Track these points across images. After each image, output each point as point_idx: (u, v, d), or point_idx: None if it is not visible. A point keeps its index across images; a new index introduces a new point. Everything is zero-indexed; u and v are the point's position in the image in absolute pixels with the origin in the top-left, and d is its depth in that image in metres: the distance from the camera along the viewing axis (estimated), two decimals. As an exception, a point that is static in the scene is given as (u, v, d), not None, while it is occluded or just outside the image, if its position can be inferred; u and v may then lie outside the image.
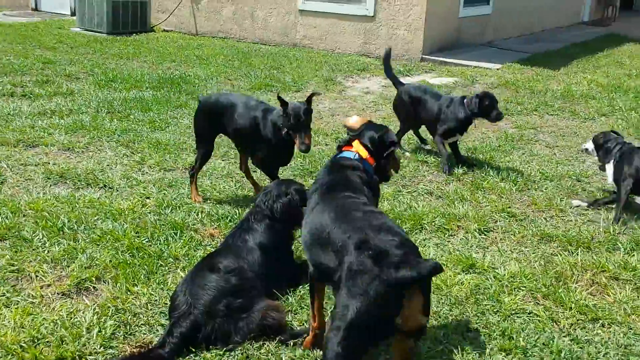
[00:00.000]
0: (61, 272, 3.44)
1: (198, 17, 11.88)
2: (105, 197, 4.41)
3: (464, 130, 5.40)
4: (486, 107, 5.24)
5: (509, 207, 4.51)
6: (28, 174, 4.80)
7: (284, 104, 3.96)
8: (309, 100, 4.00)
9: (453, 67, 9.42)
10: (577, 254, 3.82)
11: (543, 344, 2.95)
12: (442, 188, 4.86)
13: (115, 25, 11.30)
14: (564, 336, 3.02)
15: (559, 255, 3.81)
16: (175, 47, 10.44)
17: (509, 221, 4.31)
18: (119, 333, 2.94)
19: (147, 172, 4.96)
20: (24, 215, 4.06)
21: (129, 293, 3.25)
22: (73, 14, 13.53)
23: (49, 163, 5.03)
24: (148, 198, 4.44)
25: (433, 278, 3.43)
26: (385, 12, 9.99)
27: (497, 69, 9.29)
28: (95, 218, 4.04)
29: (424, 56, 9.79)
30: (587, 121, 6.93)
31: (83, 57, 9.22)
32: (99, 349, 2.82)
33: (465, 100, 5.31)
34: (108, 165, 5.05)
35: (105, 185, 4.62)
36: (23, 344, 2.81)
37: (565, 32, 14.03)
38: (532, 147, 5.95)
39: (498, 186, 4.88)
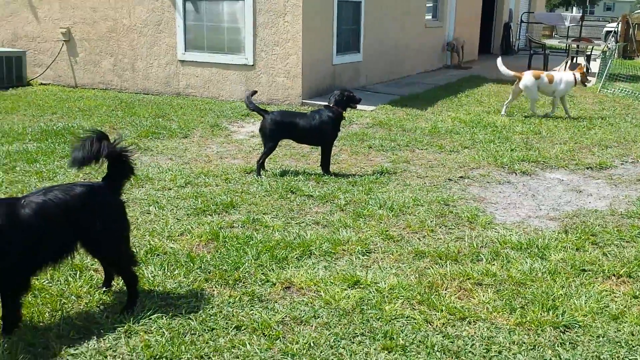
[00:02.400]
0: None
1: (76, 69, 11.87)
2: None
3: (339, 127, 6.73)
4: (347, 96, 6.59)
5: (387, 231, 4.99)
6: None
7: None
8: None
9: (331, 110, 10.03)
10: (447, 266, 4.33)
11: (419, 341, 3.37)
12: (328, 218, 5.27)
13: (-11, 80, 11.09)
14: (437, 334, 3.46)
15: (431, 268, 4.30)
16: (55, 99, 10.38)
17: (388, 242, 4.77)
18: (29, 366, 3.06)
19: (39, 220, 5.01)
20: None
21: (35, 330, 3.36)
22: (-59, 69, 13.07)
23: None
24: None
25: (323, 294, 3.84)
26: (264, 61, 10.52)
27: (372, 111, 10.02)
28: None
29: (303, 100, 10.37)
30: (452, 153, 7.67)
31: (-43, 113, 9.00)
32: (10, 382, 2.94)
33: (329, 104, 6.58)
34: None
35: None
36: None
37: (431, 76, 15.21)
38: (405, 178, 6.54)
39: (377, 213, 5.36)
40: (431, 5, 16.46)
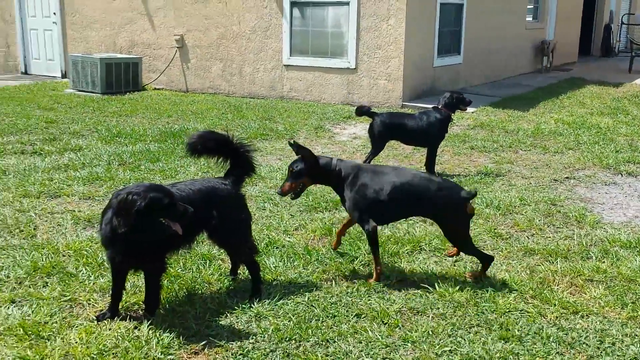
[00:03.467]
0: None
1: (188, 75, 12.56)
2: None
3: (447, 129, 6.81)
4: (457, 98, 6.71)
5: (495, 229, 5.09)
6: (57, 221, 5.24)
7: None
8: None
9: (431, 112, 10.17)
10: (557, 263, 4.41)
11: (534, 332, 3.50)
12: (434, 216, 5.43)
13: (108, 86, 11.92)
14: (551, 326, 3.57)
15: (542, 265, 4.39)
16: (169, 103, 11.05)
17: (496, 240, 4.89)
18: (174, 343, 3.41)
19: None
20: (63, 255, 4.52)
21: (174, 312, 3.74)
22: (64, 76, 14.15)
23: (74, 210, 5.49)
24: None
25: (436, 287, 4.02)
26: (365, 64, 10.76)
27: (472, 112, 10.05)
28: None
29: (404, 103, 10.54)
30: (557, 154, 7.63)
31: (83, 116, 9.75)
32: (160, 355, 3.29)
33: (438, 106, 6.73)
34: (132, 209, 5.54)
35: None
36: (93, 356, 3.27)
37: (530, 78, 14.98)
38: (510, 179, 6.59)
39: (484, 212, 5.47)
40: (532, 6, 16.19)
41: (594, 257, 4.51)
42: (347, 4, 10.72)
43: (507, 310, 3.75)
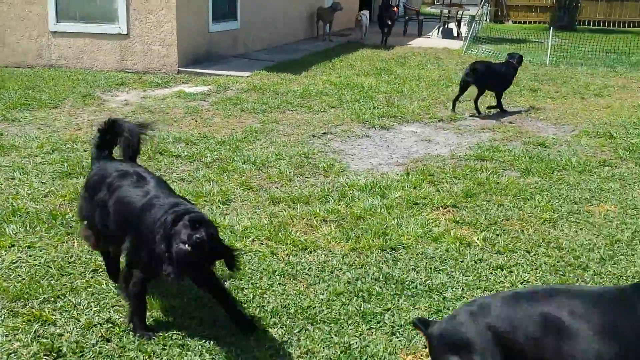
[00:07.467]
0: None
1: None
2: None
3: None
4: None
5: (248, 182, 5.33)
6: None
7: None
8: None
9: (208, 77, 10.24)
10: (298, 208, 4.75)
11: (264, 269, 3.77)
12: (194, 174, 5.56)
13: None
14: (280, 263, 3.87)
15: (284, 211, 4.71)
16: None
17: (247, 192, 5.13)
18: None
19: None
20: None
21: None
22: None
23: None
24: None
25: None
26: (138, 29, 10.51)
27: (247, 77, 10.28)
28: None
29: (180, 68, 10.48)
30: (319, 113, 8.12)
31: None
32: None
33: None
34: None
35: None
36: None
37: (310, 43, 15.63)
38: (272, 137, 6.91)
39: (240, 167, 5.70)
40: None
41: (332, 201, 4.92)
42: (114, -33, 10.35)
43: (245, 252, 3.99)
